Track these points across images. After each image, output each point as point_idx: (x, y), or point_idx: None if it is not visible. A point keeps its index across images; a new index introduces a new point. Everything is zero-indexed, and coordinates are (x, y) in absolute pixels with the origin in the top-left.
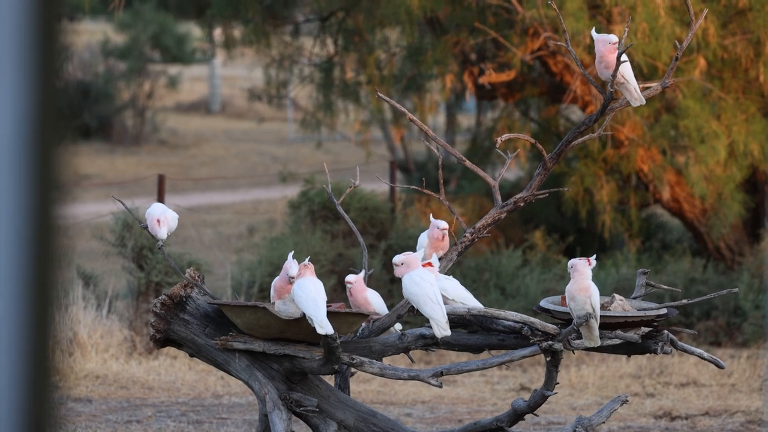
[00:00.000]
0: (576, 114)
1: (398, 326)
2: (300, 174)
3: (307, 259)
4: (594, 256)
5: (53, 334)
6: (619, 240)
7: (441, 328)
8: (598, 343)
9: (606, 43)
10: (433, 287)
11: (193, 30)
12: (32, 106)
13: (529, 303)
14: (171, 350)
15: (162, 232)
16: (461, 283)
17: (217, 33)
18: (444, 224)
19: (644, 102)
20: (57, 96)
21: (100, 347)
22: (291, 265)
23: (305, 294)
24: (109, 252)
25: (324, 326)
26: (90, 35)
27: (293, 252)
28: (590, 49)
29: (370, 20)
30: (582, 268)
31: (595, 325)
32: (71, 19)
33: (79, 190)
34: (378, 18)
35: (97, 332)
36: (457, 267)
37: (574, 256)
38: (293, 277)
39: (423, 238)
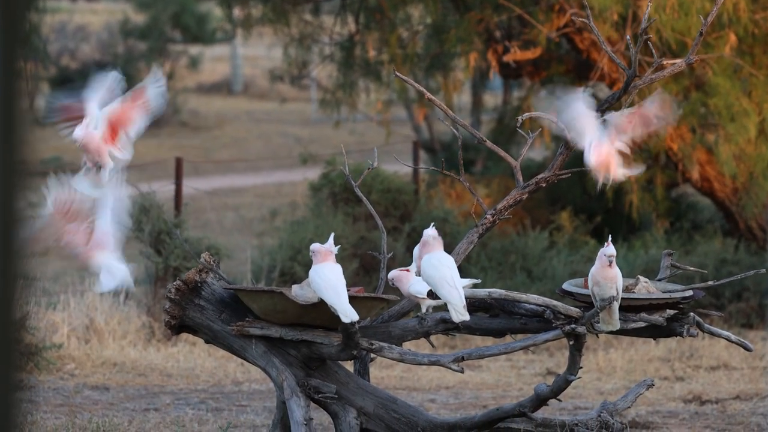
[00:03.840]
0: (603, 92)
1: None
2: (322, 155)
3: (333, 242)
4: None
5: (14, 329)
6: (648, 220)
7: (458, 313)
8: (617, 326)
9: None
10: (450, 271)
11: (214, 9)
12: None
13: (556, 285)
14: (190, 336)
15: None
16: (486, 266)
17: (237, 12)
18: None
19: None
20: (20, 79)
21: (117, 334)
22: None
23: (324, 281)
24: (127, 236)
25: (348, 314)
26: (109, 15)
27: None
28: (617, 26)
29: None
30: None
31: (616, 308)
32: None
33: None
34: None
35: (114, 318)
36: (482, 249)
37: (602, 237)
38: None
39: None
